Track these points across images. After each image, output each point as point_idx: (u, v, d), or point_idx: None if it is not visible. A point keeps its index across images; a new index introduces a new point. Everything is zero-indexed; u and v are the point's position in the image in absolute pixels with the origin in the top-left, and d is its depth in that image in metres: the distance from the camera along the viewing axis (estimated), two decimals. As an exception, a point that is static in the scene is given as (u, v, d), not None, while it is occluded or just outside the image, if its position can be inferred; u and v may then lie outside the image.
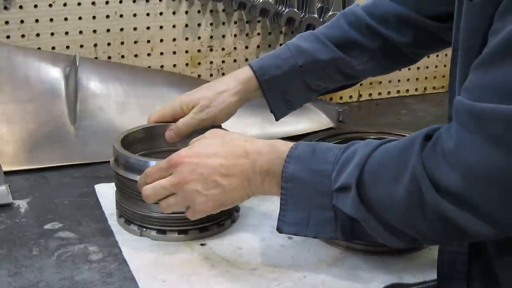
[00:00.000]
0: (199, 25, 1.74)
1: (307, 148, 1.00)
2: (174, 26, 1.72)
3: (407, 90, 2.00)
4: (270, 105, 1.32)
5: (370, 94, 1.96)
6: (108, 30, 1.65)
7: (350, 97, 1.94)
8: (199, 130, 1.22)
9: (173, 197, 1.05)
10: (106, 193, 1.28)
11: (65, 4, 1.59)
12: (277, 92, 1.29)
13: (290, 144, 1.01)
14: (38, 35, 1.59)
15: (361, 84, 1.95)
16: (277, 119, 1.36)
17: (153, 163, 1.12)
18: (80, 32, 1.63)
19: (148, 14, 1.68)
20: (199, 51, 1.76)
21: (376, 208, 0.92)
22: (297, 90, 1.30)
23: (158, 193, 1.05)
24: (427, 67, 2.01)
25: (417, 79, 2.00)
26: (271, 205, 1.28)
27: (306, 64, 1.27)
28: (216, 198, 1.03)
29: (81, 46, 1.63)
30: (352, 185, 0.93)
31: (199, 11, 1.73)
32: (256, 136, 1.57)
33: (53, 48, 1.61)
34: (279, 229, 1.01)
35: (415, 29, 1.27)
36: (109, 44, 1.67)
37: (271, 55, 1.30)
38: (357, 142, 0.98)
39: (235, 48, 1.79)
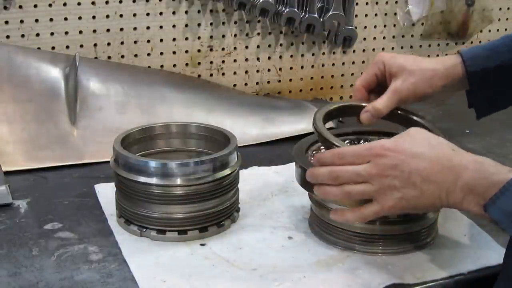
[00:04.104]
0: (199, 25, 1.74)
1: None
2: (174, 26, 1.71)
3: (407, 90, 2.00)
4: (472, 101, 1.23)
5: (370, 94, 1.96)
6: (108, 30, 1.65)
7: (350, 97, 1.94)
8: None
9: (365, 185, 1.00)
10: (106, 193, 1.28)
11: (65, 4, 1.59)
12: (483, 88, 1.20)
13: (500, 166, 0.96)
14: (38, 35, 1.59)
15: (361, 84, 1.95)
16: (478, 118, 1.26)
17: (153, 163, 1.12)
18: (80, 32, 1.63)
19: (148, 14, 1.68)
20: (199, 51, 1.76)
21: None
22: (506, 89, 1.20)
23: (350, 178, 1.00)
24: (427, 67, 2.01)
25: (417, 79, 2.00)
26: (271, 205, 1.28)
27: None
28: (410, 199, 0.98)
29: (81, 46, 1.63)
30: None
31: (199, 11, 1.73)
32: (256, 136, 1.59)
33: (53, 48, 1.61)
34: (485, 207, 0.95)
35: None
36: (109, 44, 1.67)
37: (485, 45, 1.21)
38: None
39: (235, 48, 1.79)
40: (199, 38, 1.75)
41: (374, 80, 1.22)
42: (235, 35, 1.78)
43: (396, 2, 1.92)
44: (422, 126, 1.14)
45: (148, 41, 1.70)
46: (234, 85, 1.82)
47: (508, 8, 2.06)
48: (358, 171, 1.00)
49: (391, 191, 0.98)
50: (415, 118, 1.21)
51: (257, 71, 1.84)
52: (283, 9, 1.72)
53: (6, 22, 1.56)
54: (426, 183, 0.97)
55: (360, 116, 1.19)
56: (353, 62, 1.94)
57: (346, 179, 1.01)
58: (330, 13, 1.76)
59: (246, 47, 1.81)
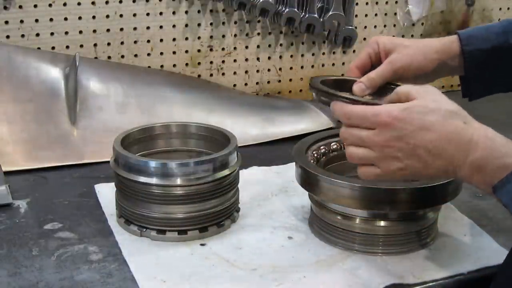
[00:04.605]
0: (199, 25, 1.74)
1: None
2: (174, 26, 1.71)
3: (407, 90, 2.00)
4: (466, 82, 1.20)
5: (370, 94, 1.96)
6: (108, 30, 1.65)
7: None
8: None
9: (367, 151, 0.96)
10: (106, 193, 1.28)
11: (65, 4, 1.59)
12: (478, 68, 1.17)
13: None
14: (38, 35, 1.59)
15: (361, 84, 1.95)
16: (470, 99, 1.23)
17: (153, 163, 1.12)
18: (80, 32, 1.63)
19: (148, 14, 1.68)
20: (199, 51, 1.76)
21: None
22: (501, 72, 1.18)
23: (353, 142, 0.98)
24: (427, 67, 2.01)
25: (417, 79, 2.00)
26: (271, 205, 1.28)
27: None
28: (413, 170, 0.95)
29: (81, 46, 1.63)
30: None
31: (199, 11, 1.72)
32: (256, 136, 1.59)
33: (53, 48, 1.61)
34: (495, 188, 0.91)
35: None
36: (109, 44, 1.67)
37: (482, 27, 1.19)
38: None
39: (235, 48, 1.79)
40: (199, 38, 1.75)
41: (368, 62, 1.19)
42: (235, 35, 1.78)
43: (396, 2, 1.93)
44: None
45: (148, 41, 1.70)
46: (234, 85, 1.82)
47: (508, 8, 2.06)
48: (361, 137, 0.97)
49: (393, 161, 0.95)
50: None
51: (257, 71, 1.84)
52: (283, 9, 1.72)
53: (6, 22, 1.56)
54: (431, 156, 0.93)
55: (353, 88, 1.14)
56: (353, 62, 1.94)
57: (349, 142, 0.99)
58: (330, 13, 1.76)
59: (246, 47, 1.81)
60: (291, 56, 1.86)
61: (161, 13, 1.69)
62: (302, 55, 1.87)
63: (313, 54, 1.89)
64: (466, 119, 0.95)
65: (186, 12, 1.72)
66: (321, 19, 1.76)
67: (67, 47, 1.62)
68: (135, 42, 1.69)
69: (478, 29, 1.19)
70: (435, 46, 1.17)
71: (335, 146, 1.25)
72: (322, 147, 1.24)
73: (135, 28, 1.68)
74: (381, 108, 0.96)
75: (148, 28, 1.69)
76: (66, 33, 1.62)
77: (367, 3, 1.89)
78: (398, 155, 0.95)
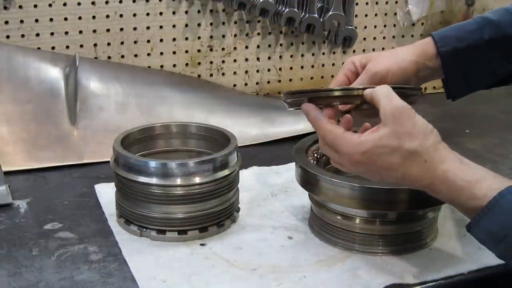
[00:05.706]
0: (199, 25, 1.74)
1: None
2: (174, 26, 1.71)
3: (407, 90, 2.00)
4: (447, 81, 1.21)
5: (370, 94, 1.96)
6: (108, 30, 1.65)
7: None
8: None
9: (345, 168, 0.99)
10: (106, 193, 1.28)
11: (65, 4, 1.59)
12: (457, 68, 1.17)
13: (474, 187, 0.92)
14: (38, 35, 1.59)
15: (361, 84, 1.95)
16: (453, 99, 1.23)
17: (153, 163, 1.12)
18: (80, 32, 1.63)
19: (148, 14, 1.68)
20: (199, 51, 1.76)
21: None
22: (480, 69, 1.18)
23: (331, 158, 1.00)
24: (427, 67, 2.01)
25: (417, 79, 2.00)
26: (271, 205, 1.28)
27: (494, 39, 1.16)
28: (386, 180, 0.98)
29: (81, 46, 1.63)
30: None
31: (199, 11, 1.73)
32: (256, 136, 1.59)
33: (53, 48, 1.61)
34: (468, 227, 0.94)
35: None
36: (109, 44, 1.67)
37: (455, 26, 1.20)
38: None
39: (235, 48, 1.79)
40: (199, 38, 1.75)
41: (346, 82, 1.19)
42: (235, 35, 1.78)
43: (396, 2, 1.93)
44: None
45: (148, 41, 1.70)
46: (234, 85, 1.82)
47: (508, 8, 2.06)
48: (337, 160, 0.99)
49: (363, 175, 1.00)
50: None
51: (257, 71, 1.84)
52: (283, 9, 1.72)
53: (6, 22, 1.56)
54: (400, 184, 0.98)
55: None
56: (353, 62, 1.94)
57: (330, 158, 1.02)
58: (330, 13, 1.76)
59: (246, 47, 1.81)
60: (291, 56, 1.86)
61: (161, 13, 1.69)
62: (302, 55, 1.87)
63: (313, 54, 1.89)
64: (427, 154, 0.93)
65: (186, 12, 1.72)
66: (321, 19, 1.76)
67: (67, 47, 1.62)
68: (135, 42, 1.69)
69: (452, 29, 1.19)
70: (411, 49, 1.18)
71: (335, 146, 1.25)
72: (322, 147, 1.24)
73: (135, 28, 1.68)
74: (345, 148, 0.96)
75: (148, 28, 1.69)
76: (66, 33, 1.62)
77: (367, 3, 1.90)
78: (365, 176, 1.00)
